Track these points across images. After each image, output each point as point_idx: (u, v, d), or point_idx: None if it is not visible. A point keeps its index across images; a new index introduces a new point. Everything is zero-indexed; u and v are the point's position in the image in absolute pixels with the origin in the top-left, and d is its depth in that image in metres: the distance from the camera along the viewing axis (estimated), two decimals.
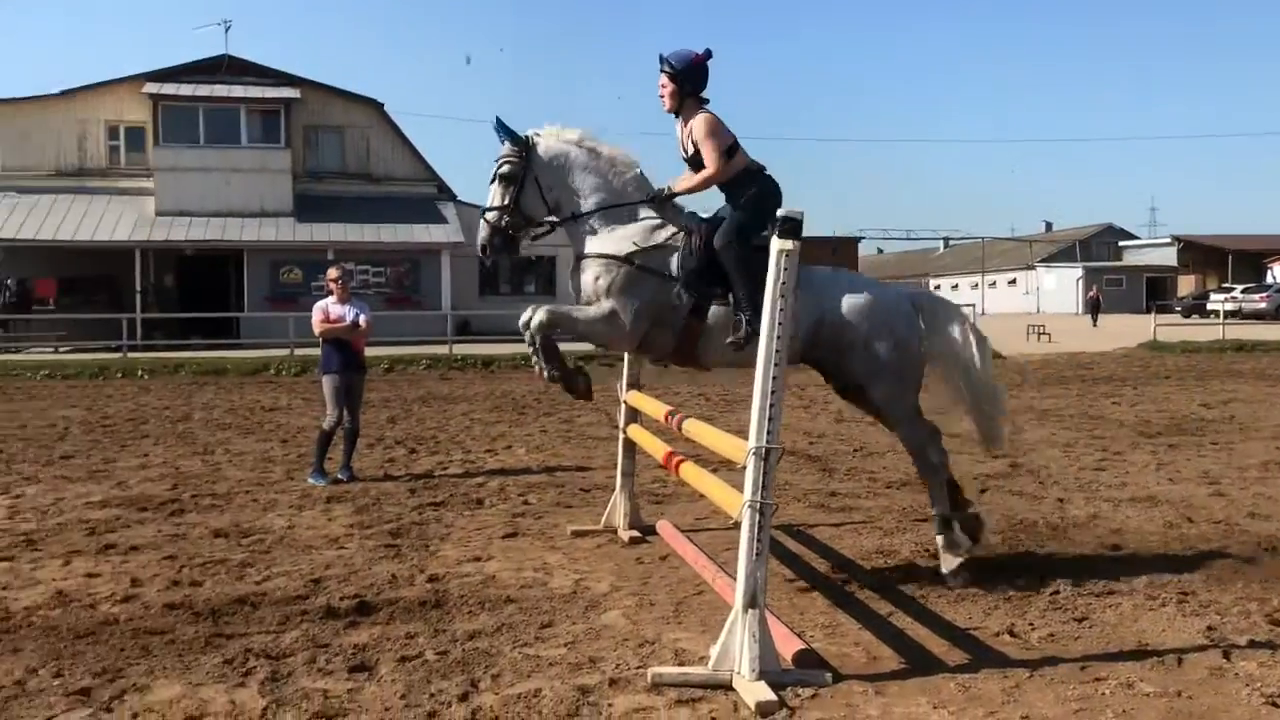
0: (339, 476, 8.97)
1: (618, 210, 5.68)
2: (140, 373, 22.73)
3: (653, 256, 5.56)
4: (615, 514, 6.96)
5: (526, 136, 5.73)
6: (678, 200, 5.78)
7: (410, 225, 33.78)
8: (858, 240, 71.66)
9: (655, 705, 4.05)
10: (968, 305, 38.12)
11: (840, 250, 61.74)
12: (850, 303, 5.64)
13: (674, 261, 5.58)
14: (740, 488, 4.38)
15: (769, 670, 4.17)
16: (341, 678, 4.37)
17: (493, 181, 5.73)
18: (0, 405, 16.51)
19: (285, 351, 24.79)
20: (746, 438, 4.34)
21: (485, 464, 10.09)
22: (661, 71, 5.64)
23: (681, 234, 5.63)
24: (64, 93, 34.46)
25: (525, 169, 5.67)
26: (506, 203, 5.67)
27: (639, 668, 4.41)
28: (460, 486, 8.80)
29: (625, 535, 6.77)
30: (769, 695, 4.02)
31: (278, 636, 4.85)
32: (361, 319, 9.22)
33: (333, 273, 9.50)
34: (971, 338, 5.88)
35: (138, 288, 31.68)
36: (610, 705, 4.05)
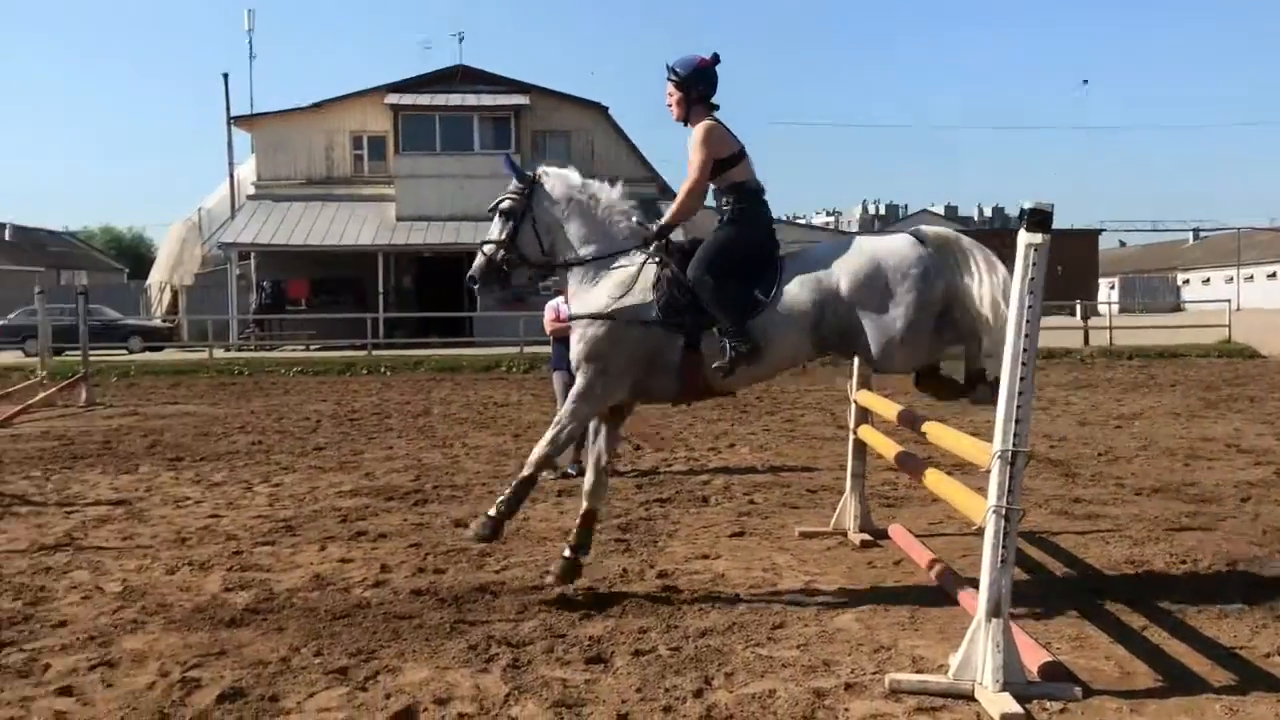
0: (569, 471, 9.18)
1: (611, 258, 5.57)
2: (383, 369, 24.05)
3: (627, 307, 5.38)
4: (845, 516, 6.83)
5: (533, 175, 5.73)
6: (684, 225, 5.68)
7: None
8: (1098, 233, 68.11)
9: (894, 712, 3.93)
10: (1223, 301, 35.59)
11: (1078, 242, 58.81)
12: (846, 279, 5.28)
13: (653, 303, 5.40)
14: (983, 492, 4.21)
15: (1014, 682, 3.99)
16: (579, 668, 4.45)
17: (494, 215, 5.75)
18: (259, 400, 17.79)
19: (515, 349, 25.69)
20: (989, 440, 4.16)
21: (709, 462, 10.11)
22: (668, 80, 5.54)
23: (660, 273, 5.44)
24: (314, 105, 36.80)
25: (526, 208, 5.66)
26: (504, 238, 5.67)
27: (875, 673, 4.30)
28: (685, 484, 8.85)
29: (856, 538, 6.63)
30: (1014, 708, 3.83)
31: (517, 625, 4.99)
32: None
33: None
34: (996, 271, 5.24)
35: (380, 289, 33.50)
36: (846, 710, 3.96)
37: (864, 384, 6.84)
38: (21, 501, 8.38)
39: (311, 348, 31.32)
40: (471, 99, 35.36)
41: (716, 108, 5.56)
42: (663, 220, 5.59)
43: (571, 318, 5.61)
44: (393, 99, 35.15)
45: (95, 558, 6.43)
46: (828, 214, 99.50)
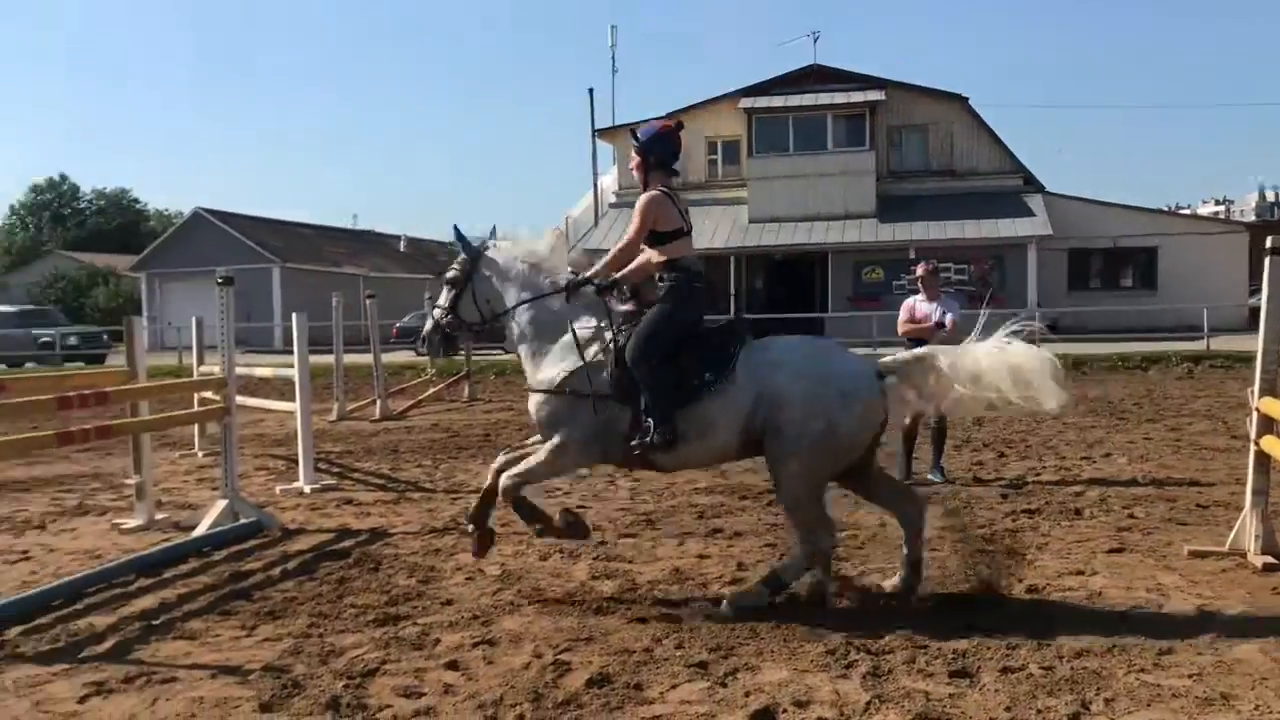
0: (930, 478, 8.89)
1: (549, 324, 5.64)
2: None
3: (578, 379, 5.40)
4: (1244, 536, 6.15)
5: (479, 248, 5.91)
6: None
7: (994, 220, 32.86)
8: None
9: None
10: None
11: None
12: (789, 383, 5.23)
13: (602, 377, 5.38)
14: None
15: None
16: (942, 681, 4.27)
17: (443, 283, 5.98)
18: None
19: (869, 350, 25.30)
20: None
21: (1082, 472, 9.45)
22: (631, 144, 5.63)
23: (605, 344, 5.44)
24: (670, 114, 37.98)
25: (468, 278, 5.85)
26: (447, 305, 5.91)
27: None
28: (1056, 495, 8.31)
29: (1258, 560, 5.95)
30: None
31: (877, 632, 4.86)
32: (948, 319, 8.98)
33: (921, 269, 9.40)
34: (959, 366, 5.25)
35: (732, 291, 34.10)
36: None
37: (1268, 390, 6.13)
38: (415, 488, 9.20)
39: None
40: (824, 98, 35.18)
41: (676, 173, 5.74)
42: (589, 272, 5.68)
43: (530, 389, 5.69)
44: (746, 103, 35.64)
45: None
46: (1216, 203, 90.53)
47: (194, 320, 12.67)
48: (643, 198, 5.54)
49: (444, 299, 5.96)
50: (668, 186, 5.61)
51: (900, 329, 9.23)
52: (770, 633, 4.88)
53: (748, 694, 4.17)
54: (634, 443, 5.31)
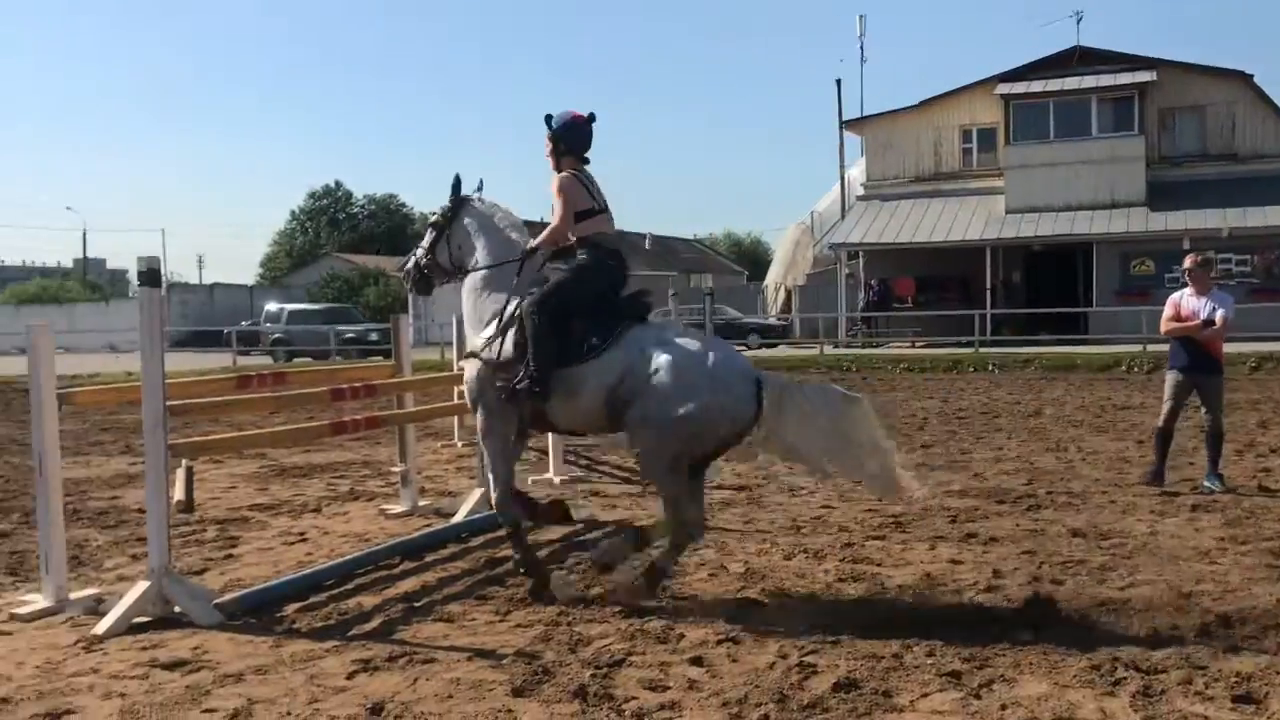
0: (1206, 485, 8.23)
1: (500, 279, 5.88)
2: (990, 367, 23.49)
3: (488, 346, 5.70)
4: None
5: (465, 198, 6.16)
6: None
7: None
8: None
9: None
10: None
11: None
12: (660, 359, 5.36)
13: (508, 343, 5.65)
14: None
15: None
16: (1224, 705, 3.92)
17: (429, 225, 6.35)
18: (866, 396, 18.18)
19: (1137, 347, 23.73)
20: None
21: None
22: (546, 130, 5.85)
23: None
24: (922, 103, 36.94)
25: (447, 225, 6.14)
26: (427, 246, 6.23)
27: None
28: None
29: None
30: None
31: (1147, 650, 4.51)
32: (1218, 315, 8.24)
33: (1188, 261, 8.71)
34: (806, 410, 5.35)
35: (987, 284, 32.81)
36: None
37: None
38: None
39: (917, 345, 31.52)
40: (1089, 81, 33.28)
41: (587, 161, 5.88)
42: (533, 243, 5.89)
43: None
44: (1003, 89, 34.19)
45: (721, 538, 6.92)
46: None
47: (454, 318, 13.25)
48: (556, 179, 5.80)
49: (426, 240, 6.29)
50: (577, 170, 5.84)
51: (1163, 327, 8.57)
52: (1028, 644, 4.62)
53: (1004, 707, 3.96)
54: (498, 384, 5.62)
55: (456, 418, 12.04)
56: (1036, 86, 33.87)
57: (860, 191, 38.40)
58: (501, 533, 7.18)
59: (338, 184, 78.58)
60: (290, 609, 5.50)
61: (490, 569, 6.28)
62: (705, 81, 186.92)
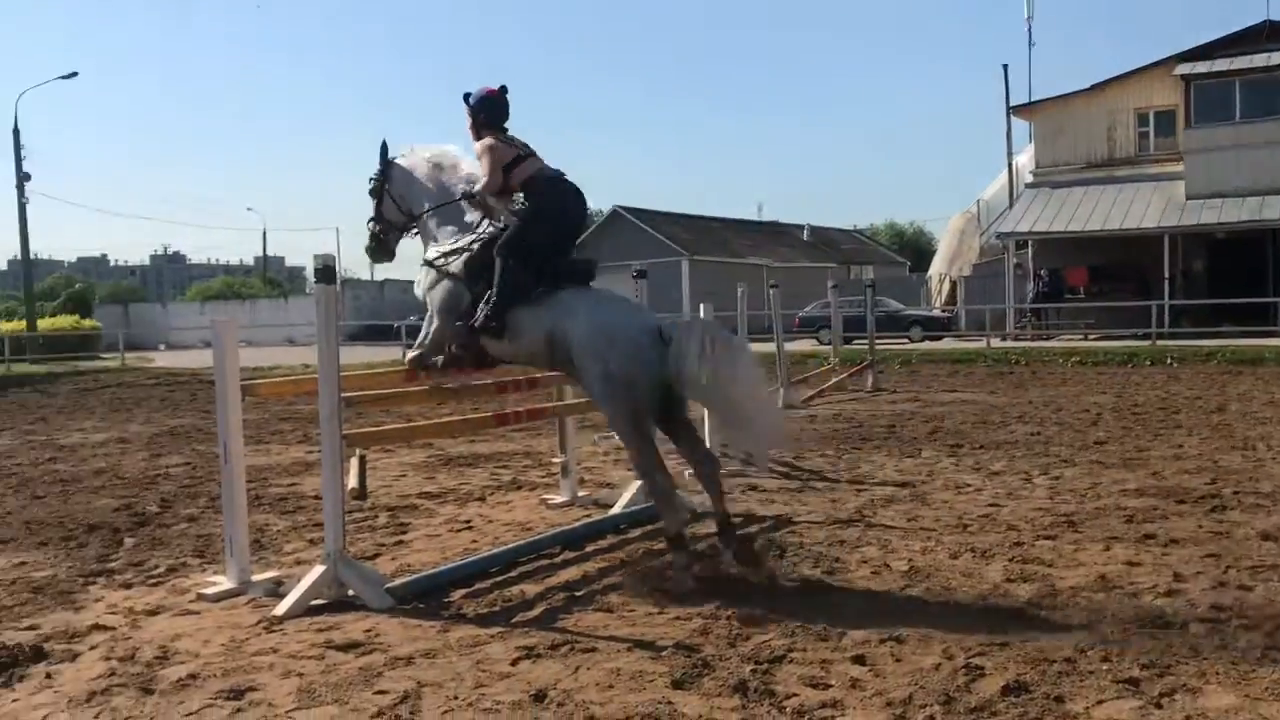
0: None
1: (451, 214, 6.49)
2: (1169, 360, 22.41)
3: (449, 260, 6.31)
4: None
5: (391, 158, 6.71)
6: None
7: None
8: None
9: None
10: None
11: None
12: (575, 325, 5.89)
13: (459, 262, 6.26)
14: None
15: None
16: None
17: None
18: (1035, 390, 17.59)
19: None
20: None
21: None
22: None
23: (471, 240, 6.29)
24: (1094, 86, 35.46)
25: (383, 184, 6.70)
26: (373, 213, 6.79)
27: None
28: None
29: None
30: None
31: None
32: None
33: None
34: (711, 363, 5.60)
35: (1165, 274, 31.29)
36: None
37: None
38: (819, 477, 9.18)
39: (1090, 337, 30.31)
40: (1278, 57, 31.34)
41: (506, 130, 6.36)
42: (476, 186, 6.33)
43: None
44: (1183, 69, 32.51)
45: (883, 535, 6.79)
46: None
47: None
48: (477, 146, 6.31)
49: (372, 208, 6.80)
50: (495, 136, 6.32)
51: None
52: (1214, 652, 4.37)
53: (1188, 718, 3.75)
54: (461, 322, 6.21)
55: None
56: (1221, 65, 32.07)
57: (1029, 179, 37.12)
58: (659, 525, 7.23)
59: None
60: (456, 595, 5.65)
61: (649, 560, 6.31)
62: (865, 70, 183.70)
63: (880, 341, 22.19)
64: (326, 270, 5.53)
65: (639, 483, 7.73)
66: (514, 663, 4.55)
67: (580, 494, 8.40)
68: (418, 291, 6.57)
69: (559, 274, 6.14)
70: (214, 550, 6.81)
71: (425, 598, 5.59)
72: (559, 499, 8.27)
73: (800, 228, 59.09)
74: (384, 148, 6.77)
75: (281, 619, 5.28)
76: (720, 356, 5.63)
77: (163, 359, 39.04)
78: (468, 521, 7.68)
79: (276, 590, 5.75)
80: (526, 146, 6.34)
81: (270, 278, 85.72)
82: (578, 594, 5.60)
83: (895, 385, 19.01)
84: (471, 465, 10.46)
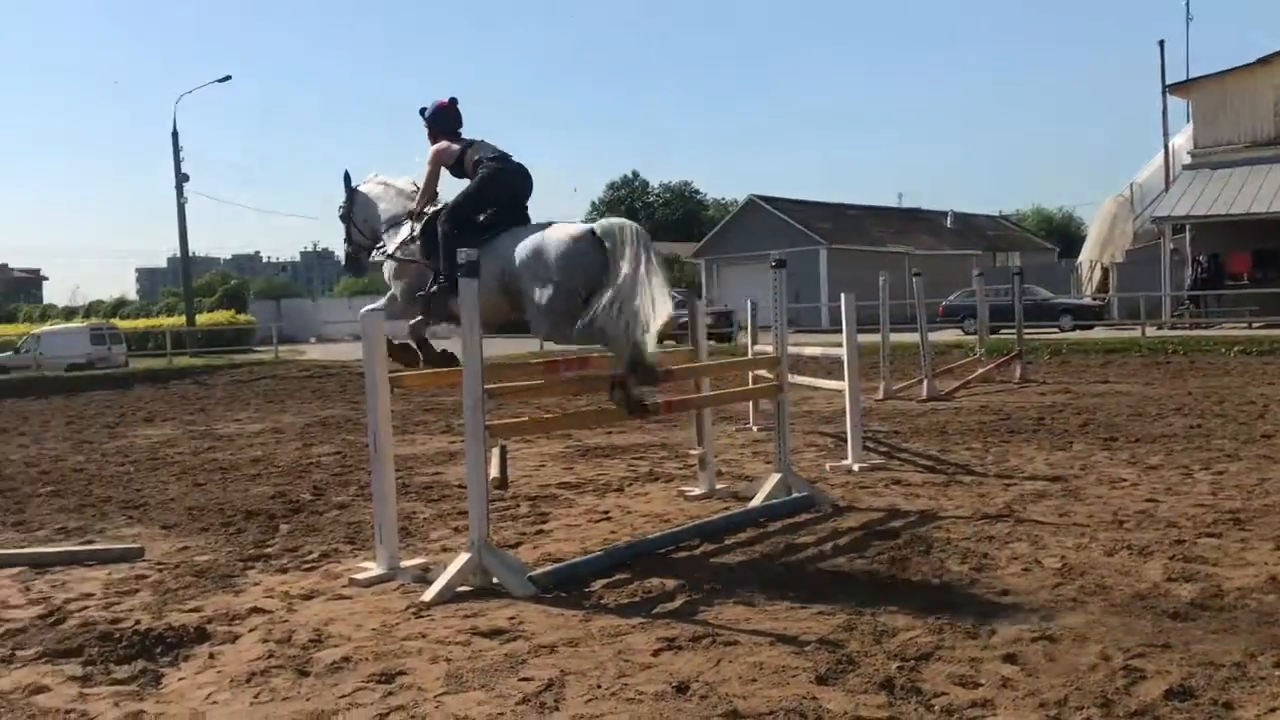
0: None
1: (404, 222, 7.15)
2: None
3: (405, 249, 7.00)
4: None
5: (354, 188, 7.48)
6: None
7: None
8: None
9: None
10: None
11: None
12: (515, 254, 6.38)
13: (413, 248, 6.99)
14: None
15: None
16: None
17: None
18: (1195, 381, 16.79)
19: None
20: None
21: None
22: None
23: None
24: (1259, 61, 33.58)
25: (348, 211, 7.49)
26: (345, 237, 7.58)
27: None
28: None
29: None
30: None
31: None
32: None
33: None
34: (629, 267, 6.03)
35: None
36: None
37: None
38: (964, 471, 8.94)
39: (1254, 325, 28.77)
40: None
41: (459, 136, 7.07)
42: (415, 203, 7.15)
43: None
44: None
45: (1034, 531, 6.56)
46: None
47: (748, 303, 13.32)
48: (429, 151, 7.03)
49: (343, 233, 7.55)
50: (448, 140, 7.04)
51: None
52: None
53: None
54: (420, 293, 6.82)
55: (751, 401, 12.10)
56: None
57: (1186, 160, 35.45)
58: (799, 519, 7.16)
59: (635, 174, 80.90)
60: (597, 584, 5.68)
61: (789, 555, 6.24)
62: (1010, 50, 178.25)
63: (1028, 331, 21.50)
64: (470, 265, 5.62)
65: (778, 476, 7.68)
66: (655, 653, 4.55)
67: (718, 486, 8.37)
68: (387, 278, 7.18)
69: (498, 227, 6.66)
70: (364, 537, 7.02)
71: (566, 586, 5.64)
72: (696, 491, 8.25)
73: (943, 214, 57.70)
74: (346, 177, 7.52)
75: (429, 605, 5.40)
76: (646, 263, 6.07)
77: (314, 352, 40.49)
78: (606, 512, 7.73)
79: (424, 576, 5.89)
80: (475, 140, 7.03)
81: None
82: (718, 587, 5.56)
83: (1044, 376, 18.38)
84: (609, 456, 10.53)
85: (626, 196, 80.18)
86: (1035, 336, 26.66)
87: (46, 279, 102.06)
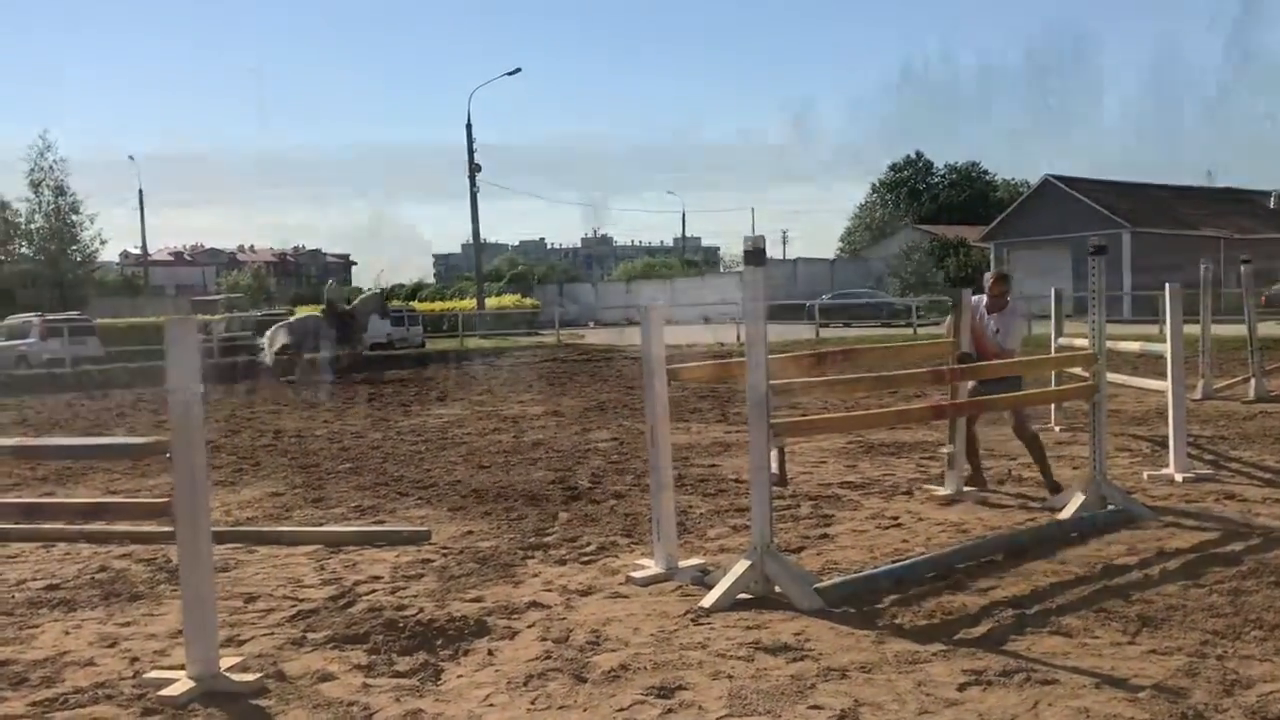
0: None
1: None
2: None
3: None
4: None
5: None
6: None
7: None
8: None
9: None
10: None
11: None
12: None
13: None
14: None
15: None
16: None
17: None
18: None
19: None
20: None
21: None
22: None
23: None
24: None
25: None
26: None
27: None
28: None
29: None
30: None
31: None
32: None
33: None
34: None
35: None
36: None
37: None
38: None
39: None
40: None
41: None
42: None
43: None
44: None
45: None
46: None
47: (1053, 291, 12.25)
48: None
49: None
50: None
51: None
52: None
53: None
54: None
55: (1053, 404, 11.16)
56: None
57: None
58: (1116, 534, 6.42)
59: (918, 154, 78.32)
60: (888, 600, 5.23)
61: (1108, 578, 5.54)
62: None
63: None
64: (756, 253, 5.26)
65: (1092, 485, 6.93)
66: (961, 688, 4.06)
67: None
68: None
69: None
70: (640, 530, 6.84)
71: (854, 601, 5.22)
72: (942, 491, 7.79)
73: (1266, 194, 52.41)
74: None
75: (709, 611, 5.12)
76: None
77: (592, 336, 41.48)
78: (895, 518, 7.20)
79: (703, 579, 5.63)
80: None
81: (688, 258, 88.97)
82: (1028, 612, 4.98)
83: None
84: (895, 454, 9.93)
85: (909, 178, 77.73)
86: None
87: (355, 264, 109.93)
